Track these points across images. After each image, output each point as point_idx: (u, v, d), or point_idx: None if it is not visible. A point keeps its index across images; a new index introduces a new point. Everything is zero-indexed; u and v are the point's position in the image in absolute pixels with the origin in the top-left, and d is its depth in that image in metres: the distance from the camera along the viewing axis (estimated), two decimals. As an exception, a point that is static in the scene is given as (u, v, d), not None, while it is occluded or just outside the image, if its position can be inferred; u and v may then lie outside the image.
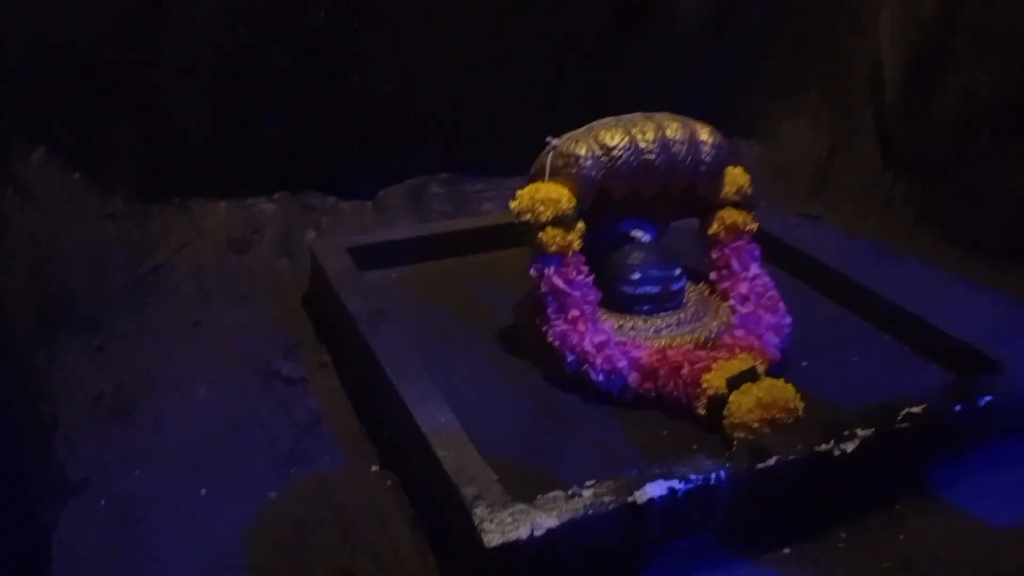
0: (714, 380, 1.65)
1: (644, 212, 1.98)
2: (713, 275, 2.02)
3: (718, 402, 1.62)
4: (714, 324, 1.89)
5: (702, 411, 1.66)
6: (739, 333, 1.83)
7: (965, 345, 1.84)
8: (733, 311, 1.91)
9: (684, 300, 1.96)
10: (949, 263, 2.61)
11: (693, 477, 1.42)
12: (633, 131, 1.85)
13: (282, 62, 2.50)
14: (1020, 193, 2.54)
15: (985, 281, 2.48)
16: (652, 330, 1.86)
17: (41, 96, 2.23)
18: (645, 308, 1.90)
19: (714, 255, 2.01)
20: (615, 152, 1.83)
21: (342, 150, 2.66)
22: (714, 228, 2.00)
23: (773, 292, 1.94)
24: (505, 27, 2.69)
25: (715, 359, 1.71)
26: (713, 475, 1.43)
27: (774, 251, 2.31)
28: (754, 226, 2.01)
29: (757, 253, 2.01)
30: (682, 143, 1.88)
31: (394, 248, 2.27)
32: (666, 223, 2.08)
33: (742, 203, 2.00)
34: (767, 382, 1.61)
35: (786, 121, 3.21)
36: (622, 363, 1.72)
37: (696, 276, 2.07)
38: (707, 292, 2.03)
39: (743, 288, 1.94)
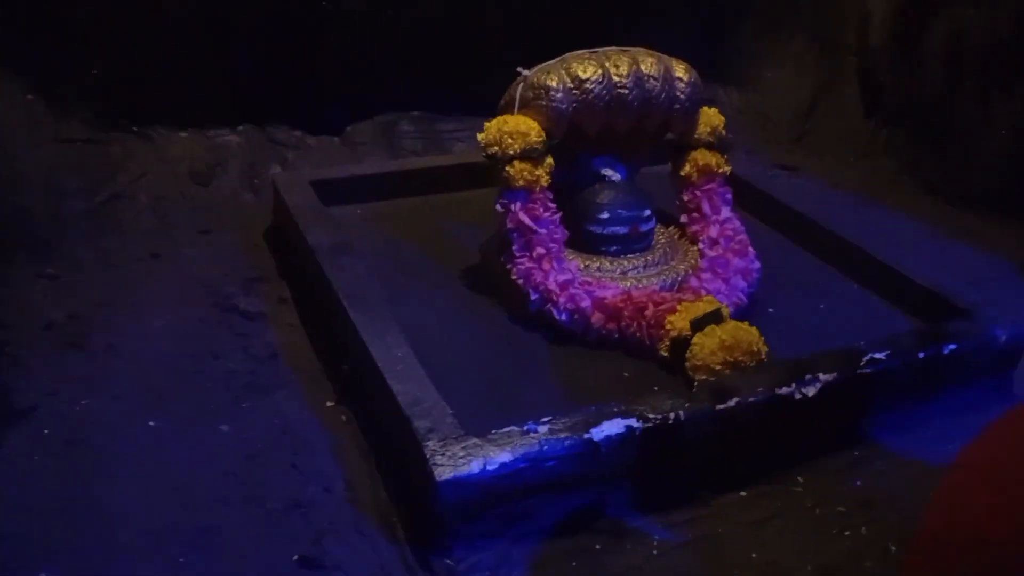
0: (678, 322, 1.62)
1: (617, 150, 1.94)
2: (683, 217, 1.98)
3: (681, 343, 1.60)
4: (682, 267, 1.86)
5: (665, 352, 1.63)
6: (706, 276, 1.80)
7: (933, 293, 1.82)
8: (702, 254, 1.88)
9: (653, 242, 1.92)
10: (929, 215, 2.58)
11: (651, 416, 1.40)
12: (607, 64, 1.79)
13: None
14: (1004, 145, 2.52)
15: (965, 234, 2.46)
16: (619, 271, 1.82)
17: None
18: (613, 248, 1.86)
19: (685, 197, 1.97)
20: (588, 85, 1.77)
21: (311, 82, 2.58)
22: (686, 169, 1.95)
23: (743, 236, 1.91)
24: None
25: (680, 301, 1.68)
26: (672, 415, 1.41)
27: (748, 198, 2.28)
28: (727, 168, 1.97)
29: (729, 196, 1.97)
30: (657, 79, 1.83)
31: (360, 183, 2.22)
32: (640, 163, 2.03)
33: (716, 144, 1.96)
34: (731, 324, 1.58)
35: (770, 66, 3.15)
36: (586, 303, 1.69)
37: (668, 219, 2.04)
38: (677, 235, 1.99)
39: (713, 231, 1.91)
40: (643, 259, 1.86)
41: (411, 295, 1.86)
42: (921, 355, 1.60)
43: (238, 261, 2.11)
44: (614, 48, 1.85)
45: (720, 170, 1.96)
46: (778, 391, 1.50)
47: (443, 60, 2.66)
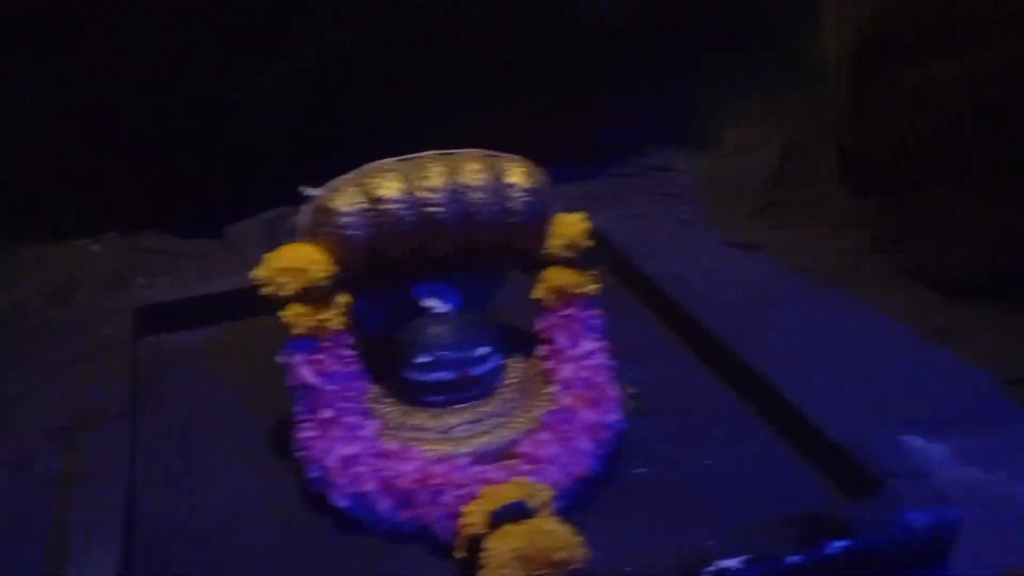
0: (473, 514, 1.25)
1: (452, 272, 1.59)
2: (540, 351, 1.61)
3: (475, 544, 1.23)
4: (521, 422, 1.49)
5: (460, 554, 1.27)
6: (542, 437, 1.43)
7: (846, 452, 1.40)
8: (553, 402, 1.51)
9: (498, 386, 1.56)
10: (906, 304, 2.13)
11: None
12: (413, 178, 1.45)
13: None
14: (997, 221, 2.05)
15: (945, 332, 2.00)
16: (438, 430, 1.47)
17: None
18: (438, 399, 1.51)
19: (539, 325, 1.61)
20: (386, 205, 1.43)
21: (187, 179, 2.33)
22: (536, 292, 1.59)
23: (603, 378, 1.53)
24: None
25: (487, 482, 1.31)
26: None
27: (658, 302, 1.91)
28: (591, 288, 1.60)
29: (596, 323, 1.60)
30: (482, 190, 1.47)
31: (198, 304, 1.93)
32: (496, 283, 1.68)
33: (576, 259, 1.59)
34: (531, 525, 1.21)
35: (731, 127, 2.76)
36: (371, 485, 1.34)
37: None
38: (537, 373, 1.62)
39: (567, 371, 1.53)
40: (477, 411, 1.50)
41: (205, 458, 1.55)
42: (792, 559, 1.19)
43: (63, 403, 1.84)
44: (432, 154, 1.51)
45: (580, 291, 1.58)
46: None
47: (332, 147, 2.37)
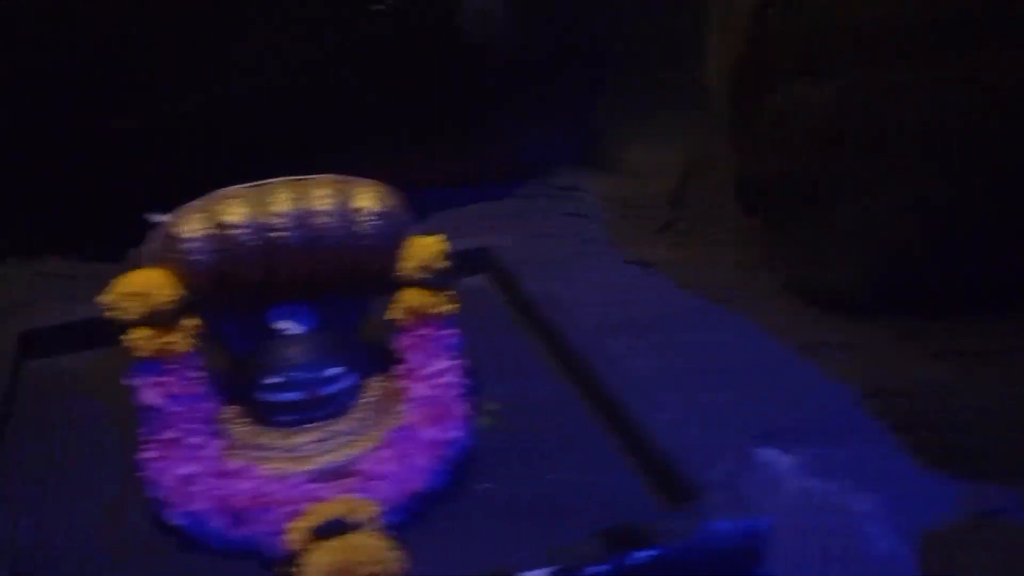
0: (297, 531, 1.29)
1: (314, 294, 1.63)
2: (396, 370, 1.66)
3: (295, 561, 1.27)
4: (368, 441, 1.53)
5: (283, 569, 1.30)
6: (383, 455, 1.47)
7: (672, 462, 1.45)
8: (400, 420, 1.55)
9: (353, 405, 1.60)
10: (788, 321, 2.19)
11: None
12: (259, 203, 1.50)
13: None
14: (879, 237, 2.12)
15: (819, 348, 2.06)
16: (284, 449, 1.51)
17: None
18: (289, 418, 1.55)
19: (395, 345, 1.65)
20: (232, 231, 1.48)
21: (88, 204, 2.37)
22: (391, 313, 1.64)
23: (452, 395, 1.57)
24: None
25: (319, 499, 1.35)
26: None
27: (531, 315, 1.97)
28: (446, 308, 1.64)
29: (451, 342, 1.64)
30: (328, 214, 1.53)
31: (75, 328, 1.96)
32: (353, 307, 1.72)
33: (431, 280, 1.63)
34: (347, 541, 1.25)
35: (634, 147, 2.82)
36: (204, 504, 1.38)
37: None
38: (393, 392, 1.66)
39: (418, 389, 1.58)
40: (326, 431, 1.54)
41: (63, 485, 1.57)
42: (595, 570, 1.23)
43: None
44: (283, 180, 1.56)
45: (434, 311, 1.63)
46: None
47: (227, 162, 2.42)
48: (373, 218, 1.55)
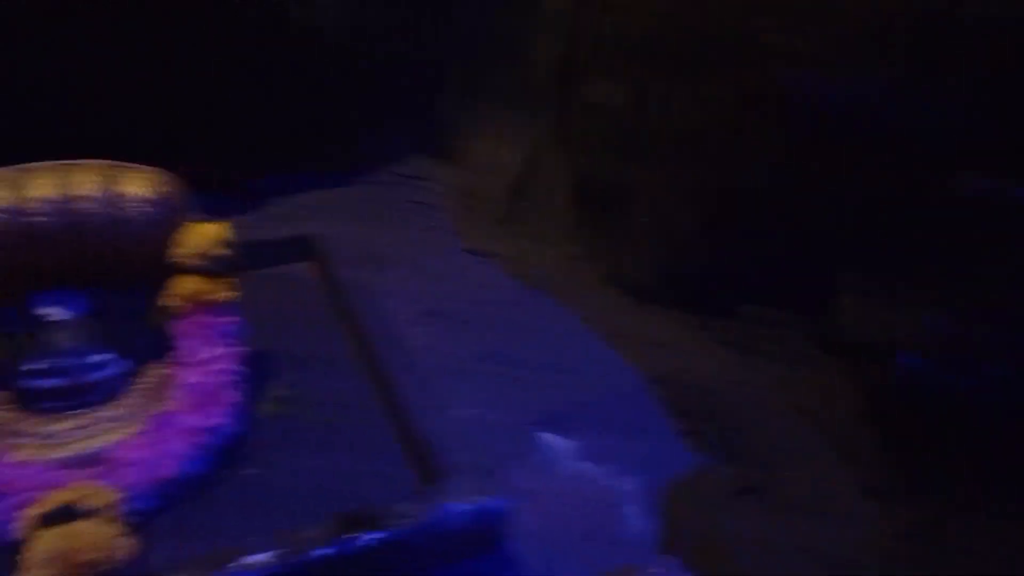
0: (29, 518, 1.28)
1: (81, 280, 1.61)
2: (171, 357, 1.65)
3: (22, 546, 1.26)
4: (130, 427, 1.52)
5: (14, 555, 1.29)
6: (138, 442, 1.46)
7: (427, 447, 1.48)
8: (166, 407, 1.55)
9: (123, 391, 1.59)
10: (599, 310, 2.24)
11: None
12: (18, 187, 1.48)
13: None
14: (660, 231, 2.18)
15: (620, 334, 2.12)
16: (40, 436, 1.49)
17: None
18: (53, 404, 1.53)
19: (171, 332, 1.64)
20: (-13, 215, 1.46)
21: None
22: (164, 299, 1.63)
23: (222, 382, 1.57)
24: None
25: (59, 486, 1.34)
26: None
27: (343, 304, 1.98)
28: (224, 295, 1.64)
29: (229, 329, 1.64)
30: (90, 199, 1.51)
31: None
32: (130, 293, 1.70)
33: (209, 267, 1.63)
34: (71, 528, 1.24)
35: (477, 138, 2.84)
36: (-57, 492, 1.36)
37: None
38: (166, 378, 1.65)
39: (189, 376, 1.58)
40: (89, 417, 1.53)
41: None
42: (321, 553, 1.25)
43: None
44: (48, 164, 1.54)
45: (212, 298, 1.63)
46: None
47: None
48: (139, 204, 1.54)
